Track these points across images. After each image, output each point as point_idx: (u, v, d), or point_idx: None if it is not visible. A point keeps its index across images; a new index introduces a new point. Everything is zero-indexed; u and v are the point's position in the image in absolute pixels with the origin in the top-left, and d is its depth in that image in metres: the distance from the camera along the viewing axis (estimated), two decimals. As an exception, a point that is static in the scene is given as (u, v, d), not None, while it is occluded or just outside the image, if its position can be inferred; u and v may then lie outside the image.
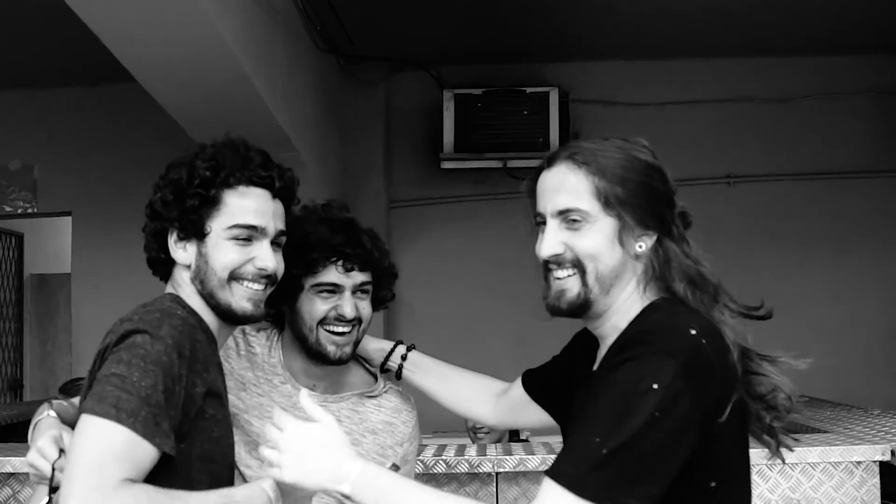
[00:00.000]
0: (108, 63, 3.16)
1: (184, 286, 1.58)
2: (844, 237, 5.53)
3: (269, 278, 1.59)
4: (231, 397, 1.83)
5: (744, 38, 5.26)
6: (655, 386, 1.26)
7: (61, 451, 1.47)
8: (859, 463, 2.69)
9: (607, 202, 1.43)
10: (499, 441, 3.71)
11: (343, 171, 5.42)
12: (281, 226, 1.62)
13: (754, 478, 2.64)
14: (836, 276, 5.53)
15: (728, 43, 5.31)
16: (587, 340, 1.61)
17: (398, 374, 1.99)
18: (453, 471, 2.67)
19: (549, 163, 1.49)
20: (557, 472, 1.27)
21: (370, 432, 1.91)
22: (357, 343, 1.89)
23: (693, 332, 1.34)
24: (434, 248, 5.60)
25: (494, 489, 2.71)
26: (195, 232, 1.55)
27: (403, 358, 1.98)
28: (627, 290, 1.46)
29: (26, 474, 2.68)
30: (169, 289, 1.61)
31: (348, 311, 1.82)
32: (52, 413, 1.59)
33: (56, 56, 5.05)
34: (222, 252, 1.55)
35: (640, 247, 1.45)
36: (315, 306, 1.82)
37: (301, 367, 1.90)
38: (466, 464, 2.67)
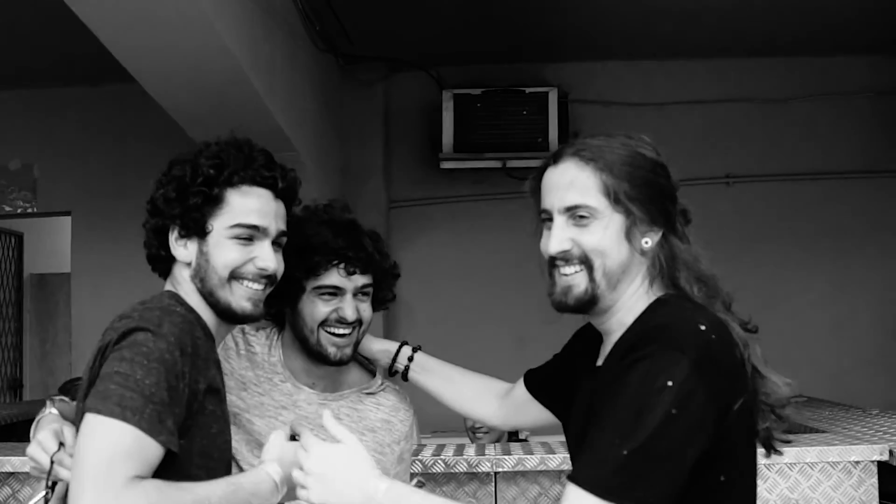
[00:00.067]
0: (108, 63, 3.17)
1: (183, 284, 1.58)
2: (842, 237, 5.54)
3: (269, 278, 1.59)
4: (232, 397, 1.84)
5: (743, 39, 5.26)
6: (670, 383, 1.27)
7: (61, 444, 1.48)
8: (857, 463, 2.69)
9: (616, 198, 1.43)
10: (497, 441, 3.71)
11: (342, 171, 5.42)
12: (282, 226, 1.62)
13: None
14: (834, 275, 5.54)
15: (727, 43, 5.31)
16: (588, 336, 1.61)
17: (404, 375, 2.00)
18: (452, 470, 2.68)
19: (555, 159, 1.50)
20: (580, 477, 1.27)
21: (369, 430, 1.92)
22: (357, 344, 1.90)
23: (703, 327, 1.35)
24: (433, 248, 5.60)
25: (493, 489, 2.72)
26: (197, 230, 1.55)
27: (410, 359, 1.99)
28: (633, 286, 1.47)
29: (26, 474, 2.68)
30: (168, 286, 1.61)
31: (349, 314, 1.83)
32: (54, 410, 1.60)
33: (56, 56, 5.05)
34: (223, 251, 1.56)
35: (647, 243, 1.46)
36: (316, 308, 1.83)
37: (301, 366, 1.91)
38: (465, 463, 2.68)
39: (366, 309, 1.88)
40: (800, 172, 5.53)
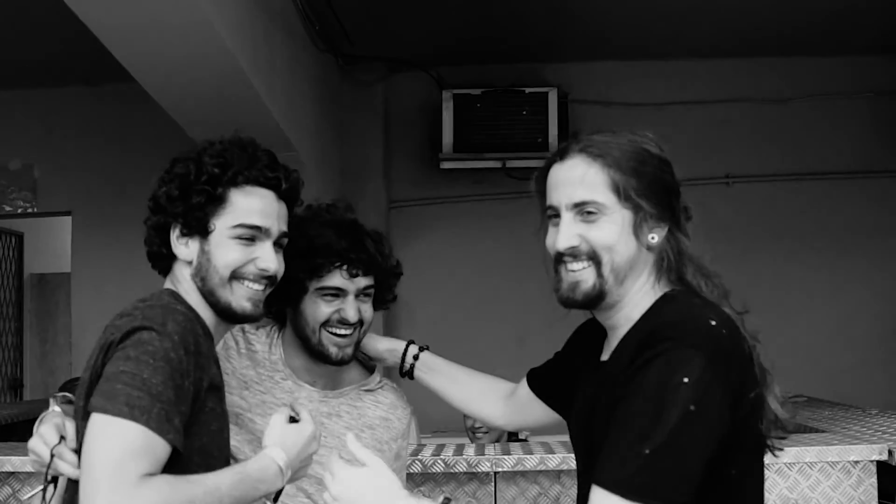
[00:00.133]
0: (108, 63, 3.17)
1: (183, 282, 1.58)
2: (842, 237, 5.54)
3: (269, 279, 1.60)
4: (235, 397, 1.85)
5: (742, 39, 5.26)
6: (686, 380, 1.28)
7: (62, 437, 1.48)
8: (857, 462, 2.70)
9: (625, 195, 1.44)
10: (497, 441, 3.71)
11: (342, 171, 5.42)
12: (284, 227, 1.62)
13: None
14: (834, 275, 5.54)
15: (726, 43, 5.32)
16: (589, 332, 1.62)
17: (410, 374, 2.00)
18: (451, 470, 2.68)
19: (562, 156, 1.50)
20: (604, 478, 1.28)
21: (368, 427, 1.93)
22: (358, 343, 1.91)
23: (713, 322, 1.35)
24: (433, 248, 5.60)
25: (493, 489, 2.72)
26: (199, 229, 1.55)
27: (415, 357, 1.99)
28: (640, 282, 1.48)
29: (26, 473, 2.69)
30: (168, 284, 1.61)
31: (351, 315, 1.84)
32: (58, 408, 1.60)
33: (56, 56, 5.05)
34: (225, 250, 1.56)
35: (653, 238, 1.47)
36: (319, 309, 1.84)
37: (302, 364, 1.92)
38: (465, 463, 2.68)
39: (367, 309, 1.89)
40: (799, 172, 5.54)
